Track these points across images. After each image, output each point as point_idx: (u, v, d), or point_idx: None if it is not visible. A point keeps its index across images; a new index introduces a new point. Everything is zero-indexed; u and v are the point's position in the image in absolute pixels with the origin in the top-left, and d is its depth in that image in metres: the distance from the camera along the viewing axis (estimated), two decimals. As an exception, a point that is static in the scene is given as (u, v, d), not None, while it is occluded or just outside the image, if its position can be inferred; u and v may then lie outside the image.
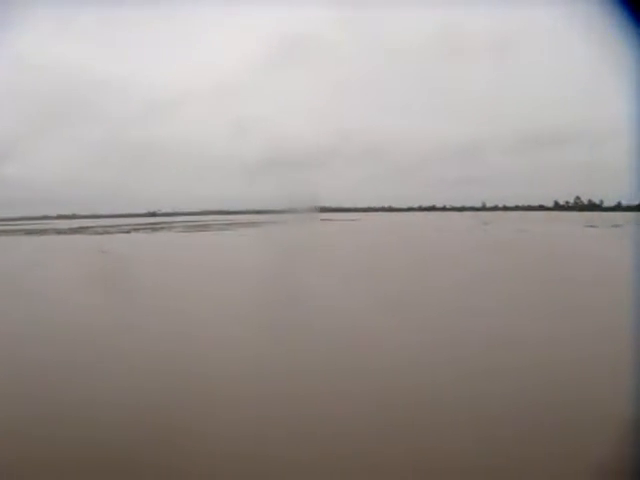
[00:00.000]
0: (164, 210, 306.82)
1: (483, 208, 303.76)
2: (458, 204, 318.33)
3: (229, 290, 28.40)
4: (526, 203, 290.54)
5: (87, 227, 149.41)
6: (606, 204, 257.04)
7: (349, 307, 22.83)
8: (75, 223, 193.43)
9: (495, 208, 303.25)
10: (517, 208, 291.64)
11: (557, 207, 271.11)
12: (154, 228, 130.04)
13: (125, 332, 17.81)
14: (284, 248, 63.10)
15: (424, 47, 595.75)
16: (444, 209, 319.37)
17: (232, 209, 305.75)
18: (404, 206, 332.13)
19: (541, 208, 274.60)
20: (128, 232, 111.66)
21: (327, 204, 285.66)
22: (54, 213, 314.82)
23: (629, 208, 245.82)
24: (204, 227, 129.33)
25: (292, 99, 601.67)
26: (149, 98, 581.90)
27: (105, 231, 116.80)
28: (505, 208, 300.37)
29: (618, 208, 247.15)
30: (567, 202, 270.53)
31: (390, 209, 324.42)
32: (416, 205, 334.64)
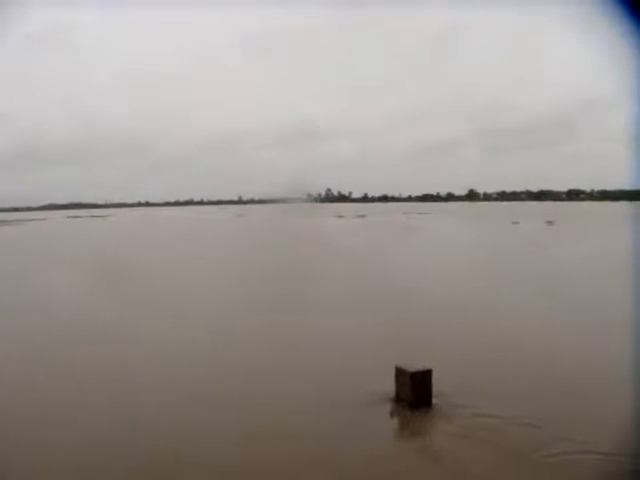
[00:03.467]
0: None
1: (240, 201, 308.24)
2: (215, 198, 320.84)
3: None
4: (281, 196, 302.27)
5: None
6: (354, 196, 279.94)
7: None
8: None
9: (252, 201, 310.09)
10: (273, 201, 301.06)
11: (310, 199, 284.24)
12: None
13: None
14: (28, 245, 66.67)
15: (204, 42, 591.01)
16: (201, 203, 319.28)
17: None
18: (160, 201, 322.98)
19: (295, 200, 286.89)
20: None
21: (82, 200, 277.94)
22: None
23: (374, 199, 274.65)
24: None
25: (49, 91, 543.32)
26: None
27: None
28: (261, 201, 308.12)
29: (365, 199, 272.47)
30: (319, 194, 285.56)
31: (147, 204, 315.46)
32: (172, 200, 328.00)
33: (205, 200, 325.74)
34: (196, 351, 16.91)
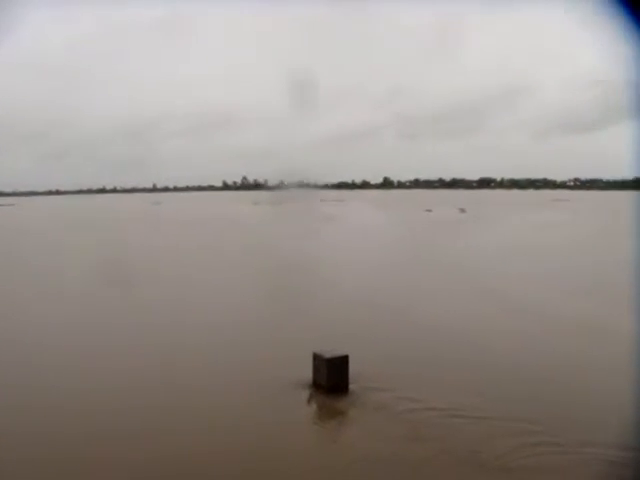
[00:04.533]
0: None
1: (154, 189, 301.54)
2: (128, 186, 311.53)
3: None
4: (196, 184, 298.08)
5: None
6: (270, 184, 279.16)
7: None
8: None
9: (166, 189, 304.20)
10: (188, 189, 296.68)
11: (226, 187, 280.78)
12: None
13: None
14: None
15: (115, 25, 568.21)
16: (114, 191, 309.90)
17: None
18: (72, 189, 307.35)
19: (211, 188, 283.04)
20: None
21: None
22: None
23: (290, 186, 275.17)
24: None
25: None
26: None
27: None
28: (176, 189, 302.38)
29: (280, 187, 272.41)
30: (235, 182, 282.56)
31: (57, 192, 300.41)
32: (85, 188, 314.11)
33: (118, 188, 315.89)
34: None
